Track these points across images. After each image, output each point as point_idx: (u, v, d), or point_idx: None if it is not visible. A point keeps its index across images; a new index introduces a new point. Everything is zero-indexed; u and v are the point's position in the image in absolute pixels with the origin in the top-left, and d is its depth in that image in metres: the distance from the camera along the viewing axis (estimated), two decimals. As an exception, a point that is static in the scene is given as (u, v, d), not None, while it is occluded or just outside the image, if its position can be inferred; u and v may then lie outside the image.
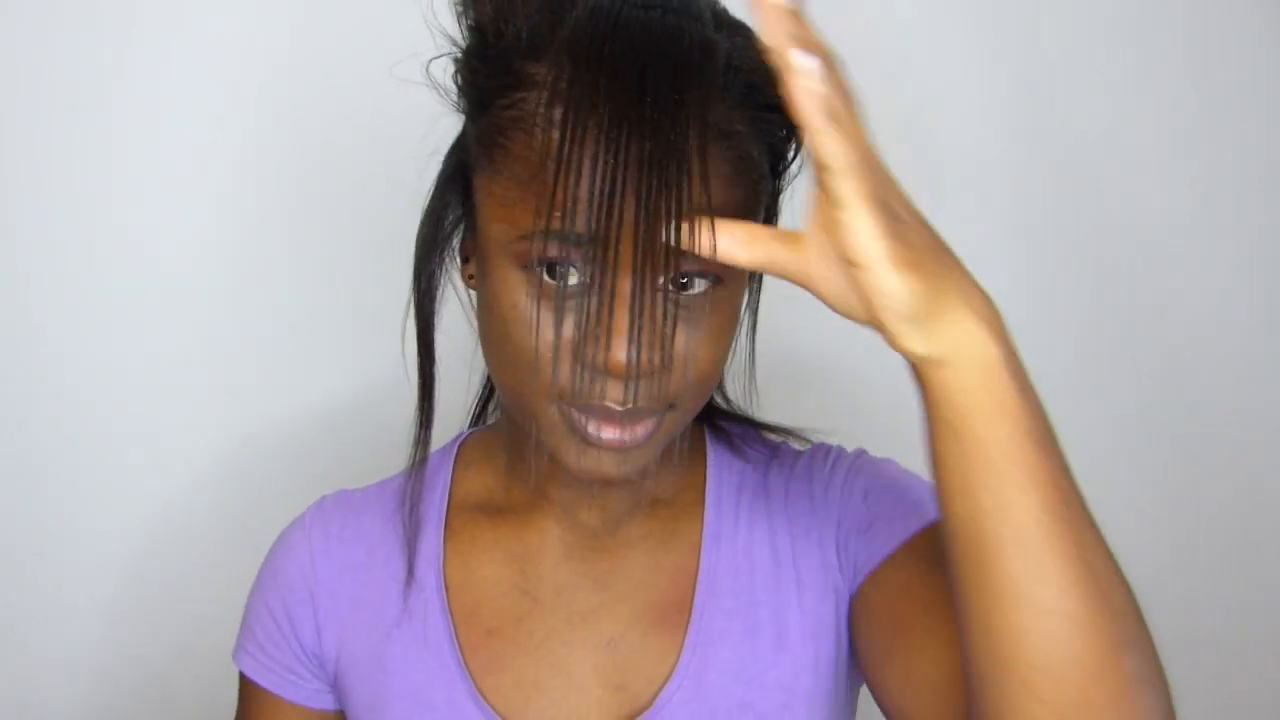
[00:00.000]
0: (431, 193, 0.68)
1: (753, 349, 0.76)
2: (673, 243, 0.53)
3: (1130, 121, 1.08)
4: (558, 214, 0.56)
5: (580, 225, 0.55)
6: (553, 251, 0.57)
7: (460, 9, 0.61)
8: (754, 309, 0.75)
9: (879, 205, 0.48)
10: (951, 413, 0.50)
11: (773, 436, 0.79)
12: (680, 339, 0.60)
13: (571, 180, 0.55)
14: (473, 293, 0.68)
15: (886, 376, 1.07)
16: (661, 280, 0.57)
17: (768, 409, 0.80)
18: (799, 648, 0.70)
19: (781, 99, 0.61)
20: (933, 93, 1.07)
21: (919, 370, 0.51)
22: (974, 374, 0.50)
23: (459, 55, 0.63)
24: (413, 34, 0.66)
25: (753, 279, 0.73)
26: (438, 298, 0.69)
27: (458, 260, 0.70)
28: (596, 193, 0.54)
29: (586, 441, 0.60)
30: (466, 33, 0.61)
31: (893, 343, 0.51)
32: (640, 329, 0.55)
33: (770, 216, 0.69)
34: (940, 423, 0.51)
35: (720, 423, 0.79)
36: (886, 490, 0.70)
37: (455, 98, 0.64)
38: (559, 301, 0.58)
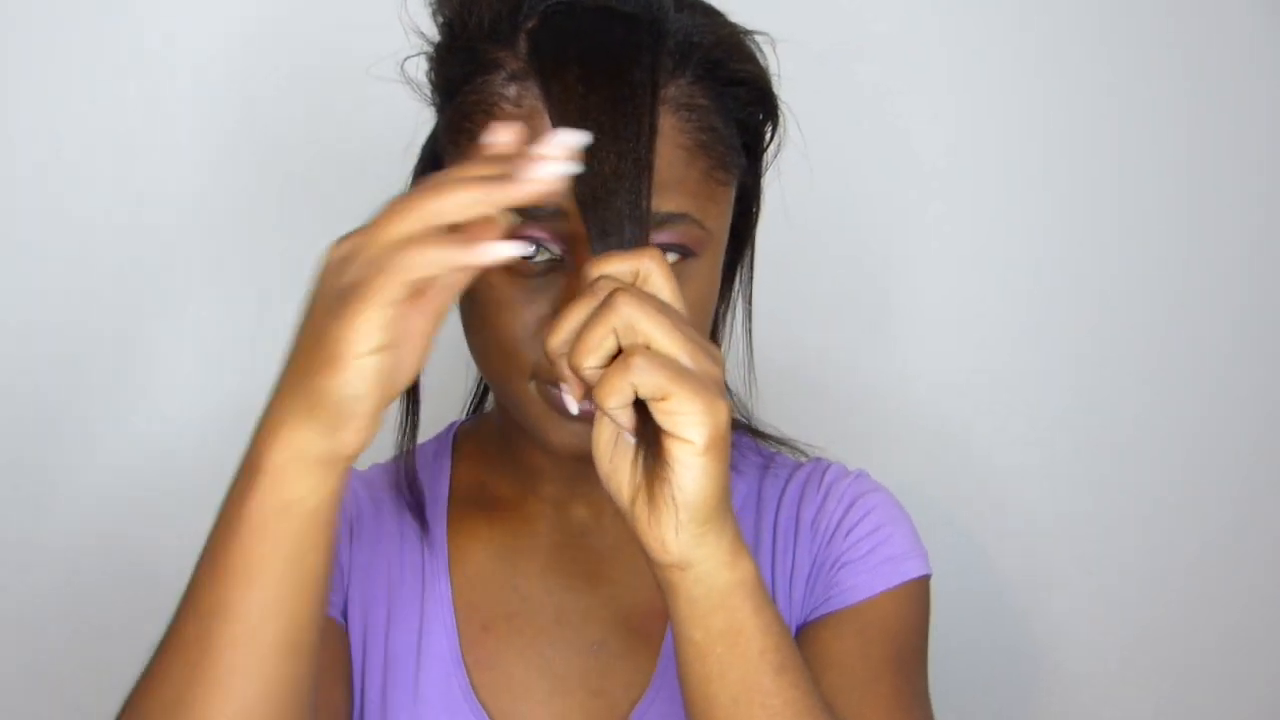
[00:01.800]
0: (409, 187, 0.68)
1: (749, 344, 0.74)
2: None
3: (1128, 122, 1.05)
4: None
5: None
6: (519, 230, 0.58)
7: (434, 7, 0.63)
8: (747, 297, 0.73)
9: (721, 474, 0.49)
10: (701, 631, 0.51)
11: (767, 446, 0.77)
12: None
13: None
14: None
15: (888, 387, 1.07)
16: None
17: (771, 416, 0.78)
18: None
19: (745, 73, 0.64)
20: (928, 95, 1.04)
21: (675, 576, 0.52)
22: (725, 586, 0.51)
23: (430, 52, 0.64)
24: (393, 34, 0.66)
25: (740, 261, 0.72)
26: None
27: None
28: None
29: (563, 414, 0.61)
30: (438, 30, 0.63)
31: (655, 535, 0.50)
32: None
33: (750, 194, 0.69)
34: (688, 643, 0.52)
35: None
36: (867, 535, 0.70)
37: (429, 92, 0.66)
38: (530, 279, 0.60)
